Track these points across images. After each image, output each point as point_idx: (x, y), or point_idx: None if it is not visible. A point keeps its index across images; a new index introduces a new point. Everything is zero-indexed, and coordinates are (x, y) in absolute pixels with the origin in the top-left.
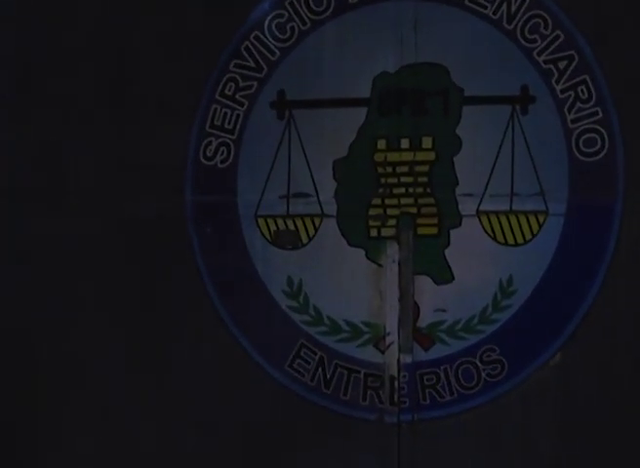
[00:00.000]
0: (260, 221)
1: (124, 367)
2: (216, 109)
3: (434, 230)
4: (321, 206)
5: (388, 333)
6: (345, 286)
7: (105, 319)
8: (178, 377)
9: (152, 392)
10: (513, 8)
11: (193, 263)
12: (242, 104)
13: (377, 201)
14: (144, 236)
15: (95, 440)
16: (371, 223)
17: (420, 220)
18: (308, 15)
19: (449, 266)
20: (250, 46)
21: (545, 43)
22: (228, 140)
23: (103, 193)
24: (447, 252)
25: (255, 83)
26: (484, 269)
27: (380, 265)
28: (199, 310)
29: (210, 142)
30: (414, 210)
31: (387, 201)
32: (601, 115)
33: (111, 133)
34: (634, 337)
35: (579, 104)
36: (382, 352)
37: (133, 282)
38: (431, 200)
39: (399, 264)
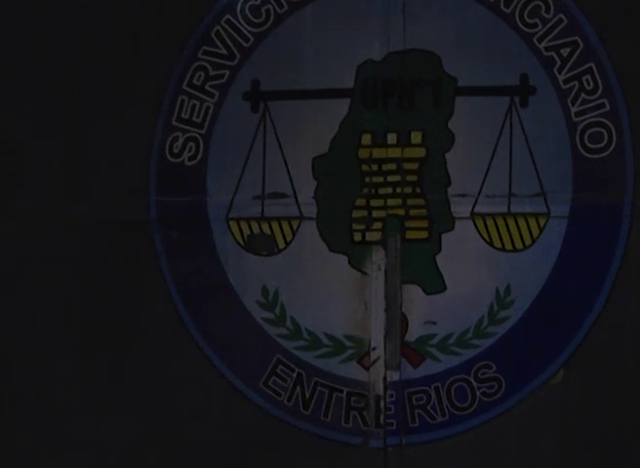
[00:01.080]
0: (232, 224)
1: (79, 385)
2: (183, 101)
3: (424, 234)
4: (299, 207)
5: (374, 348)
6: (326, 296)
7: (58, 333)
8: (140, 395)
9: (113, 410)
10: None
11: (158, 271)
12: (212, 95)
13: (361, 202)
14: (103, 240)
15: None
16: (354, 227)
17: (408, 223)
18: None
19: (440, 274)
20: (221, 31)
21: (547, 28)
22: (197, 135)
23: (57, 192)
24: (438, 258)
25: (226, 72)
26: (479, 277)
27: (364, 273)
28: (164, 323)
29: (176, 138)
30: (402, 212)
31: (373, 202)
32: (608, 107)
33: (66, 126)
34: None
35: (583, 95)
36: (367, 369)
37: (89, 291)
38: (421, 201)
39: (385, 272)
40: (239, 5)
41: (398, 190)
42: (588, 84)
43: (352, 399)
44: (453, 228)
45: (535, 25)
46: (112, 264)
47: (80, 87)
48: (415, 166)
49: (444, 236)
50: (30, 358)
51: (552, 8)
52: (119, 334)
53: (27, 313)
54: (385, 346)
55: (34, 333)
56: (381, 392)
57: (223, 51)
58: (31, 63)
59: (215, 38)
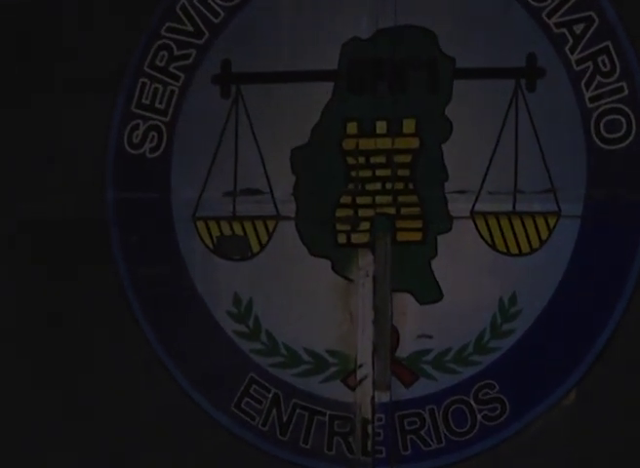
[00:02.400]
0: (200, 225)
1: (31, 401)
2: (144, 84)
3: (418, 236)
4: (276, 205)
5: (360, 366)
6: (307, 306)
7: (6, 340)
8: (95, 418)
9: (68, 432)
10: None
11: (116, 276)
12: (177, 78)
13: (346, 199)
14: (55, 241)
15: None
16: (338, 227)
17: (400, 224)
18: None
19: (436, 281)
20: (187, 5)
21: (558, 1)
22: (160, 124)
23: (3, 190)
24: (433, 263)
25: (193, 51)
26: (480, 285)
27: (349, 280)
28: (122, 335)
29: (136, 126)
30: (392, 210)
31: (359, 199)
32: (627, 92)
33: (13, 114)
34: None
35: (599, 78)
36: (353, 389)
37: (40, 298)
38: (414, 198)
39: (374, 279)
40: None
41: (388, 186)
42: (604, 65)
43: (336, 423)
44: (450, 229)
45: None
46: (64, 269)
47: (25, 68)
48: (407, 158)
49: (440, 238)
50: None
51: None
52: (71, 348)
53: None
54: (374, 363)
55: None
56: (369, 415)
57: (190, 27)
58: None
59: (180, 13)
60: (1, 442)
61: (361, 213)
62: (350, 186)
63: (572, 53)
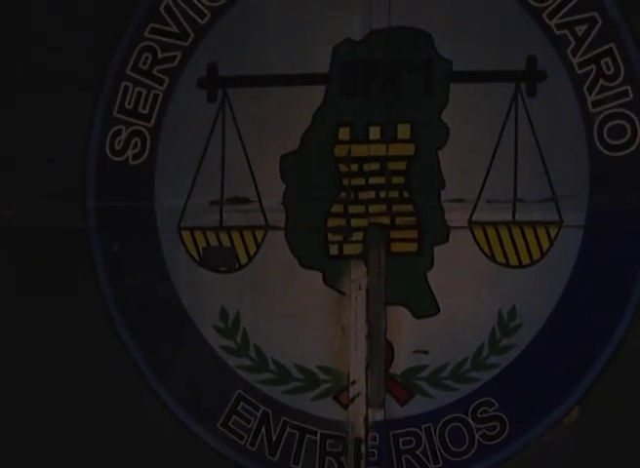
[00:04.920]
0: (185, 235)
1: (8, 425)
2: (126, 88)
3: (413, 247)
4: (265, 215)
5: (353, 383)
6: (297, 320)
7: None
8: (75, 437)
9: (46, 449)
10: None
11: (96, 289)
12: (161, 82)
13: (338, 208)
14: (31, 251)
15: None
16: (330, 238)
17: (394, 234)
18: None
19: (432, 294)
20: (171, 5)
21: (559, 2)
22: (143, 129)
23: None
24: (430, 275)
25: (178, 54)
26: (478, 298)
27: (342, 293)
28: (104, 350)
29: (119, 132)
30: (386, 220)
31: (352, 208)
32: (631, 96)
33: None
34: None
35: (602, 82)
36: (345, 407)
37: (15, 311)
38: (409, 207)
39: (367, 292)
40: None
41: (382, 194)
42: (608, 68)
43: (328, 442)
44: (447, 240)
45: None
46: (43, 280)
47: (10, 72)
48: (402, 165)
49: (437, 249)
50: None
51: None
52: (50, 364)
53: None
54: (367, 380)
55: None
56: (362, 434)
57: (174, 29)
58: None
59: (164, 14)
60: None
61: (354, 222)
62: (342, 195)
63: (574, 55)
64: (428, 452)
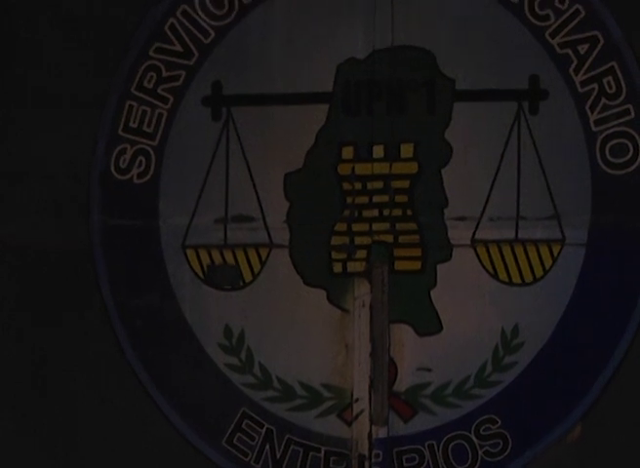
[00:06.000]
0: (190, 253)
1: (14, 444)
2: (131, 107)
3: (416, 265)
4: (269, 233)
5: (357, 400)
6: (301, 338)
7: None
8: (79, 453)
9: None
10: None
11: (101, 307)
12: (166, 101)
13: (341, 227)
14: (34, 270)
15: None
16: (334, 256)
17: (397, 252)
18: None
19: (436, 312)
20: (176, 24)
21: (561, 21)
22: (148, 148)
23: None
24: (433, 293)
25: (182, 73)
26: (481, 316)
27: (345, 310)
28: (109, 368)
29: (124, 150)
30: (390, 238)
31: (355, 226)
32: (633, 115)
33: None
34: None
35: (604, 101)
36: (349, 424)
37: (20, 329)
38: (413, 225)
39: (371, 309)
40: None
41: (386, 213)
42: (610, 87)
43: (332, 459)
44: (450, 257)
45: (547, 18)
46: (46, 299)
47: (7, 87)
48: (405, 184)
49: (440, 267)
50: None
51: None
52: (55, 382)
53: None
54: (370, 397)
55: None
56: (366, 451)
57: (179, 48)
58: None
59: (169, 33)
60: None
61: (357, 240)
62: (346, 213)
63: (576, 74)
64: None
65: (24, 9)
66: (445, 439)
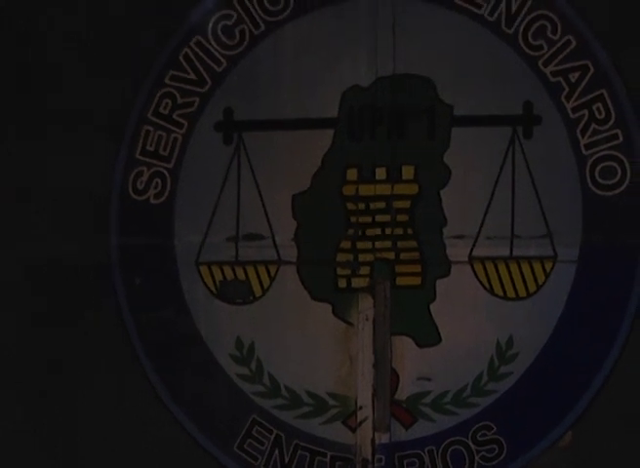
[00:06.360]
0: (203, 269)
1: (34, 450)
2: (148, 132)
3: (417, 280)
4: (277, 250)
5: (360, 408)
6: (308, 349)
7: (6, 389)
8: (101, 460)
9: None
10: (514, 7)
11: (119, 321)
12: (180, 126)
13: (346, 244)
14: (56, 287)
15: None
16: (339, 272)
17: (399, 268)
18: (262, 15)
19: (435, 325)
20: (190, 54)
21: (553, 50)
22: (163, 170)
23: (4, 234)
24: (432, 307)
25: (196, 99)
26: (478, 328)
27: (350, 323)
28: (127, 379)
29: (141, 172)
30: (391, 255)
31: (359, 244)
32: (621, 139)
33: (15, 156)
34: None
35: (594, 126)
36: (353, 430)
37: (40, 344)
38: (413, 243)
39: (373, 322)
40: (210, 25)
41: (388, 231)
42: (600, 113)
43: (337, 464)
44: (449, 273)
45: (540, 48)
46: (67, 314)
47: (31, 112)
48: (406, 204)
49: (439, 282)
50: None
51: (559, 28)
52: (74, 396)
53: None
54: (374, 405)
55: None
56: (369, 456)
57: (193, 76)
58: None
59: (183, 62)
60: None
61: (361, 257)
62: (350, 232)
63: (567, 101)
64: None
65: (46, 35)
66: (444, 444)
